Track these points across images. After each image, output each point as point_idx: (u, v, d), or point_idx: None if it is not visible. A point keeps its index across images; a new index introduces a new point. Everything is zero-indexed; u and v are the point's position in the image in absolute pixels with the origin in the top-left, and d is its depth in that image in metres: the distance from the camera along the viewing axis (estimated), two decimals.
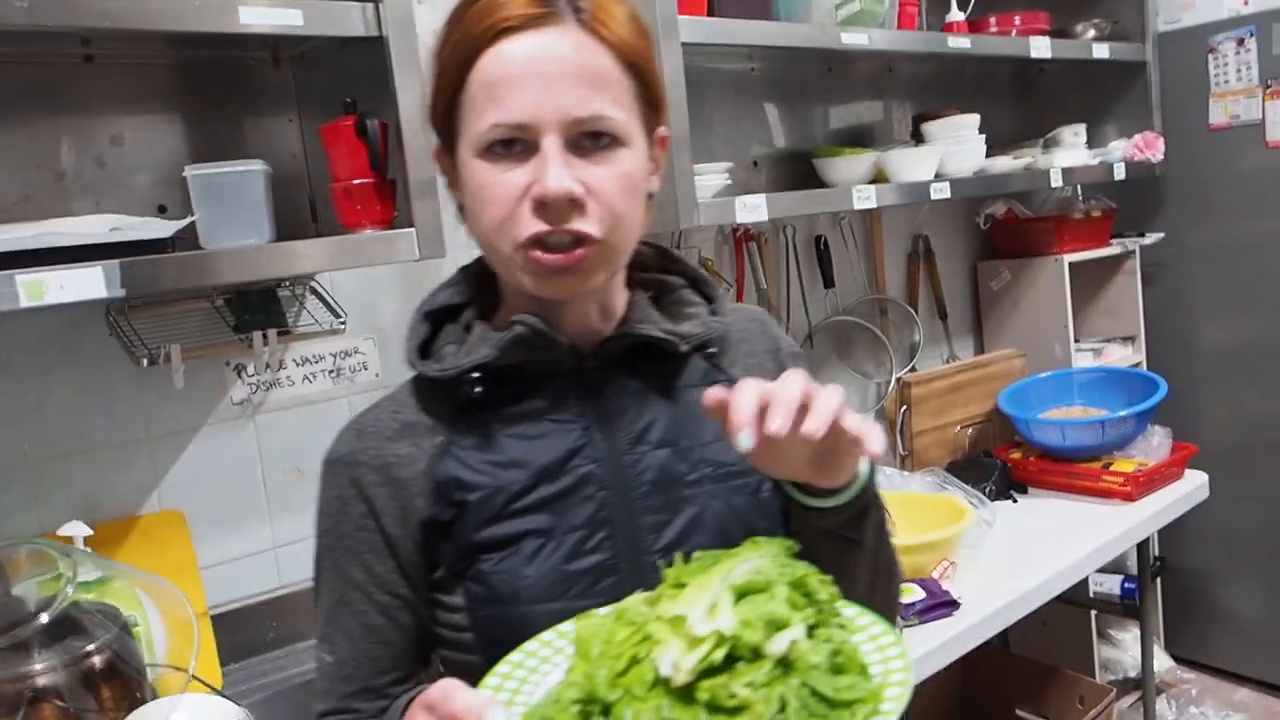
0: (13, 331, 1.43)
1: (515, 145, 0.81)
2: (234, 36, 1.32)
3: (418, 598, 0.91)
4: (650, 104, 0.87)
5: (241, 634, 1.61)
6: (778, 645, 0.66)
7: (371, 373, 1.78)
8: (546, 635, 0.78)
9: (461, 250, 1.87)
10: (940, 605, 1.82)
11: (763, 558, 0.74)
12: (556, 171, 0.79)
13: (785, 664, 0.66)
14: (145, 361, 1.44)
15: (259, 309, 1.57)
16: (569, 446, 0.89)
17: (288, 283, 1.62)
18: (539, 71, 0.80)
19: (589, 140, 0.82)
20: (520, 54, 0.80)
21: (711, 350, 0.95)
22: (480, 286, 0.95)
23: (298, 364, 1.70)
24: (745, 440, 0.74)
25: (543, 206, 0.80)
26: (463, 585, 0.88)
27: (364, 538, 0.90)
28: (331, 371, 1.73)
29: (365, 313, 1.76)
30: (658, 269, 0.98)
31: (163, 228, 1.28)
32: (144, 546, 1.51)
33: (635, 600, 0.74)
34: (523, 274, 0.84)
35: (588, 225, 0.82)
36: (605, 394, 0.91)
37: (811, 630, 0.68)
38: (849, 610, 0.74)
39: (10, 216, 1.41)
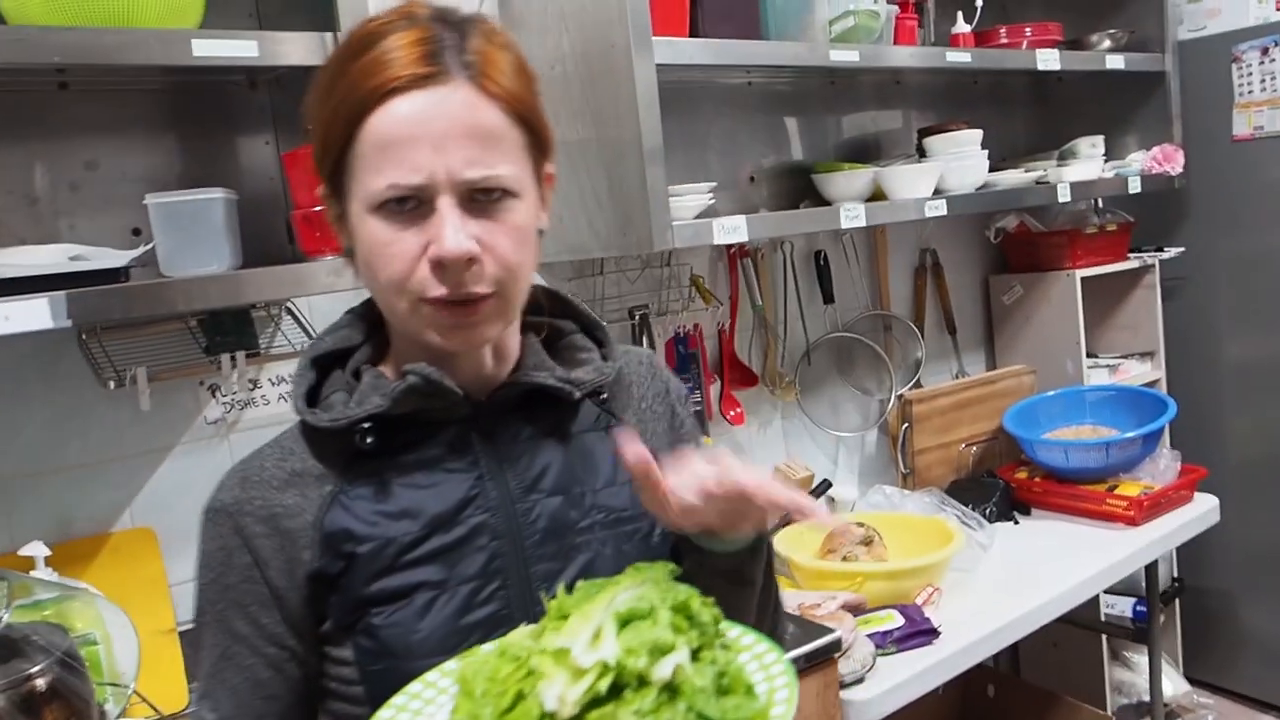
0: None
1: (408, 203, 0.80)
2: (188, 69, 1.34)
3: (305, 650, 0.89)
4: (540, 149, 0.88)
5: None
6: (662, 671, 0.65)
7: None
8: (430, 675, 0.78)
9: None
10: (919, 634, 1.79)
11: (645, 584, 0.73)
12: (454, 234, 0.79)
13: (671, 689, 0.65)
14: (112, 384, 1.46)
15: (231, 330, 1.59)
16: (461, 496, 0.88)
17: (261, 304, 1.64)
18: (430, 131, 0.79)
19: (481, 195, 0.82)
20: (411, 114, 0.79)
21: (603, 396, 0.95)
22: (368, 330, 0.94)
23: (273, 383, 1.72)
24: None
25: (441, 266, 0.81)
26: (352, 639, 0.86)
27: (249, 589, 0.87)
28: None
29: None
30: (550, 312, 0.98)
31: (116, 257, 1.30)
32: (113, 564, 1.54)
33: (519, 634, 0.74)
34: (424, 328, 0.84)
35: (483, 285, 0.83)
36: (498, 441, 0.91)
37: (696, 653, 0.68)
38: (733, 631, 0.75)
39: None
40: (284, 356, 1.66)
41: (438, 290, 0.81)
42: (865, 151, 2.59)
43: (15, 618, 1.27)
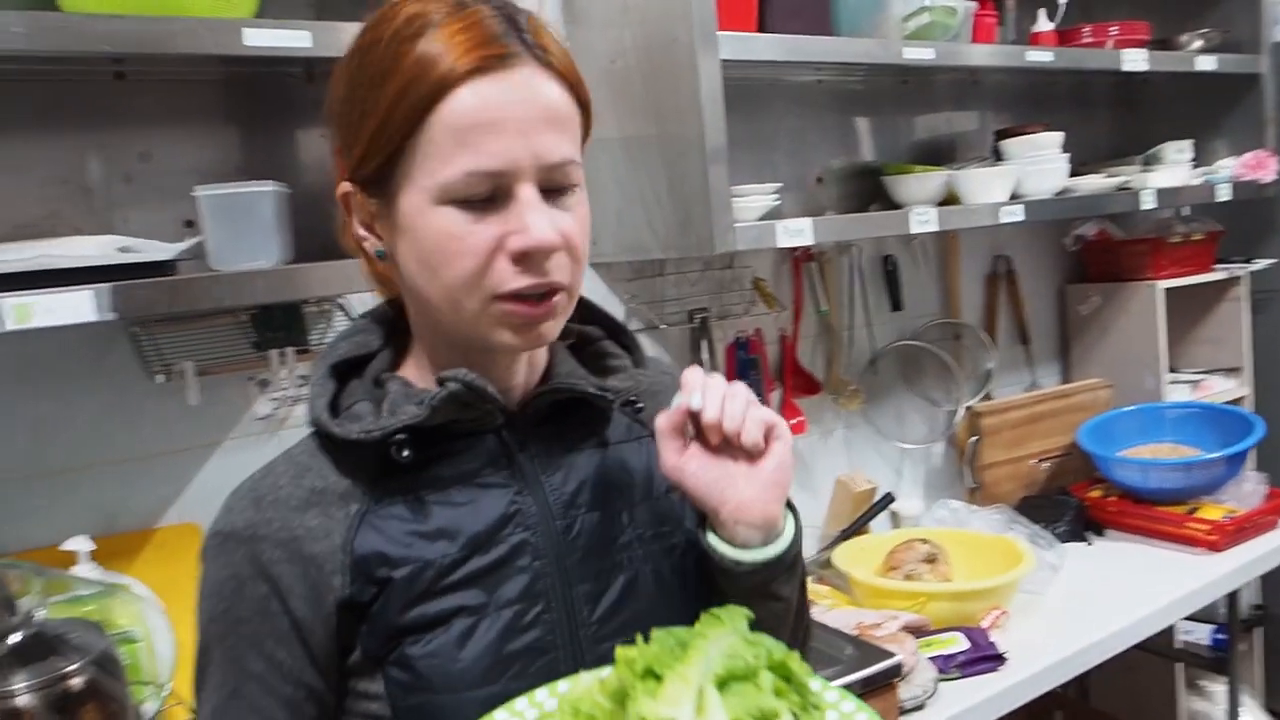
0: (37, 344, 1.46)
1: (484, 193, 0.76)
2: (244, 59, 1.31)
3: (326, 687, 0.81)
4: (585, 134, 0.84)
5: None
6: None
7: None
8: None
9: None
10: (984, 659, 1.70)
11: (730, 635, 0.68)
12: (542, 222, 0.76)
13: None
14: (160, 377, 1.44)
15: (282, 326, 1.57)
16: (501, 513, 0.83)
17: (313, 300, 1.62)
18: (512, 115, 0.75)
19: (553, 184, 0.78)
20: (490, 98, 0.75)
21: (639, 405, 0.91)
22: (385, 335, 0.89)
23: None
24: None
25: (525, 258, 0.76)
26: (384, 671, 0.80)
27: (265, 623, 0.79)
28: None
29: None
30: (576, 318, 0.92)
31: (164, 250, 1.28)
32: (158, 559, 1.53)
33: (587, 690, 0.68)
34: (492, 328, 0.79)
35: (563, 275, 0.79)
36: (533, 454, 0.86)
37: (795, 717, 0.65)
38: (814, 684, 0.70)
39: (38, 231, 1.43)
40: None
41: (518, 283, 0.77)
42: (939, 154, 2.49)
43: (54, 613, 1.25)
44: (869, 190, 2.32)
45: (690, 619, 0.89)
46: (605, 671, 0.69)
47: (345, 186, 0.82)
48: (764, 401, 2.17)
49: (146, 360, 1.45)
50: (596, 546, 0.85)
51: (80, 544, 1.35)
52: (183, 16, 1.24)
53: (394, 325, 0.90)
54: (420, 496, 0.81)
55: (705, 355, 2.05)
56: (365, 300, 1.67)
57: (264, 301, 1.43)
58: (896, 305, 2.39)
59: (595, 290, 1.97)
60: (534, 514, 0.84)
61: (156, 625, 1.41)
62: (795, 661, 0.65)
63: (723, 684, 0.63)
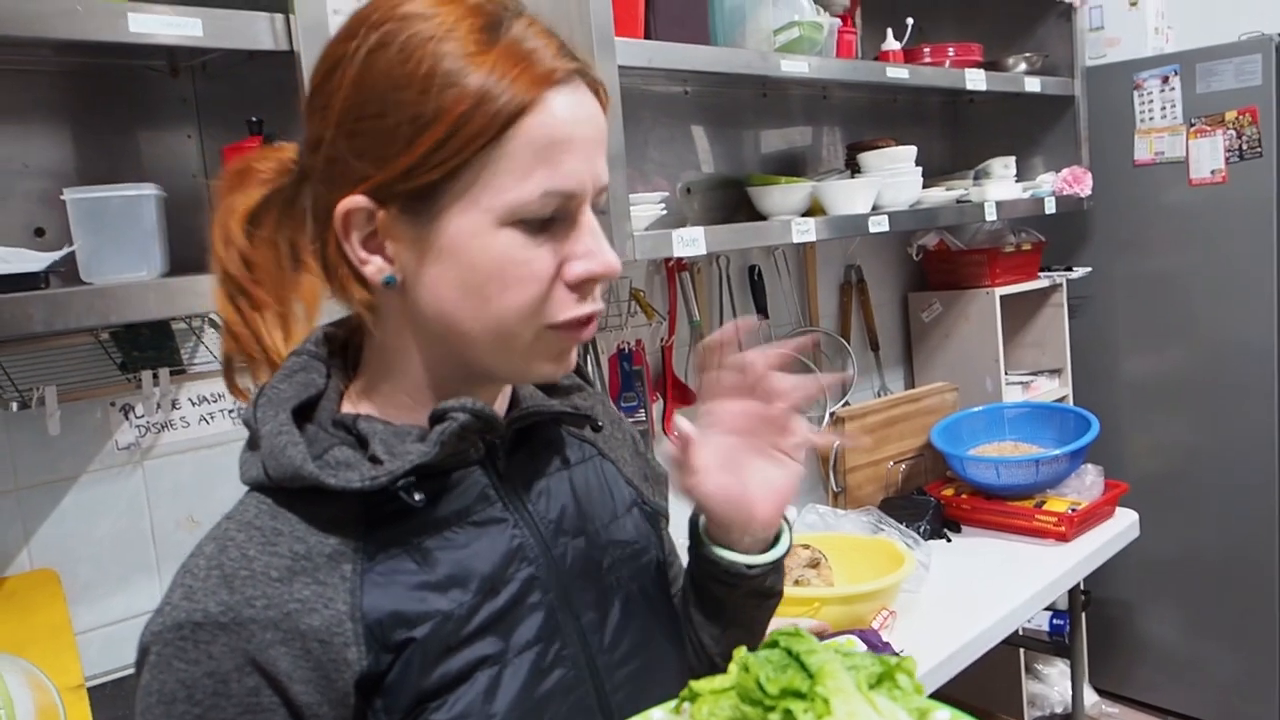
0: None
1: (549, 215, 0.70)
2: (123, 46, 1.17)
3: None
4: None
5: (124, 707, 1.44)
6: None
7: None
8: None
9: None
10: None
11: (820, 645, 0.63)
12: (607, 247, 0.72)
13: None
14: (15, 405, 1.27)
15: (150, 345, 1.42)
16: (505, 549, 0.76)
17: (184, 316, 1.47)
18: (582, 134, 0.71)
19: (596, 209, 0.74)
20: (567, 114, 0.69)
21: (600, 425, 0.88)
22: (326, 373, 0.78)
23: (194, 403, 1.54)
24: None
25: (582, 285, 0.72)
26: None
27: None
28: (232, 411, 1.58)
29: None
30: None
31: (34, 259, 1.13)
32: (11, 612, 1.34)
33: None
34: (538, 358, 0.74)
35: (599, 300, 0.75)
36: (516, 483, 0.80)
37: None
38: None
39: None
40: (209, 374, 1.49)
41: (576, 311, 0.72)
42: (792, 166, 2.55)
43: None
44: (731, 200, 2.35)
45: (678, 633, 0.89)
46: (670, 704, 0.64)
47: (358, 201, 0.70)
48: (646, 414, 2.15)
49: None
50: (589, 572, 0.82)
51: None
52: None
53: (331, 361, 0.79)
54: (419, 544, 0.73)
55: (590, 367, 2.01)
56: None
57: (151, 318, 1.29)
58: (762, 314, 2.43)
59: None
60: (533, 546, 0.78)
61: (17, 694, 1.24)
62: (910, 663, 0.62)
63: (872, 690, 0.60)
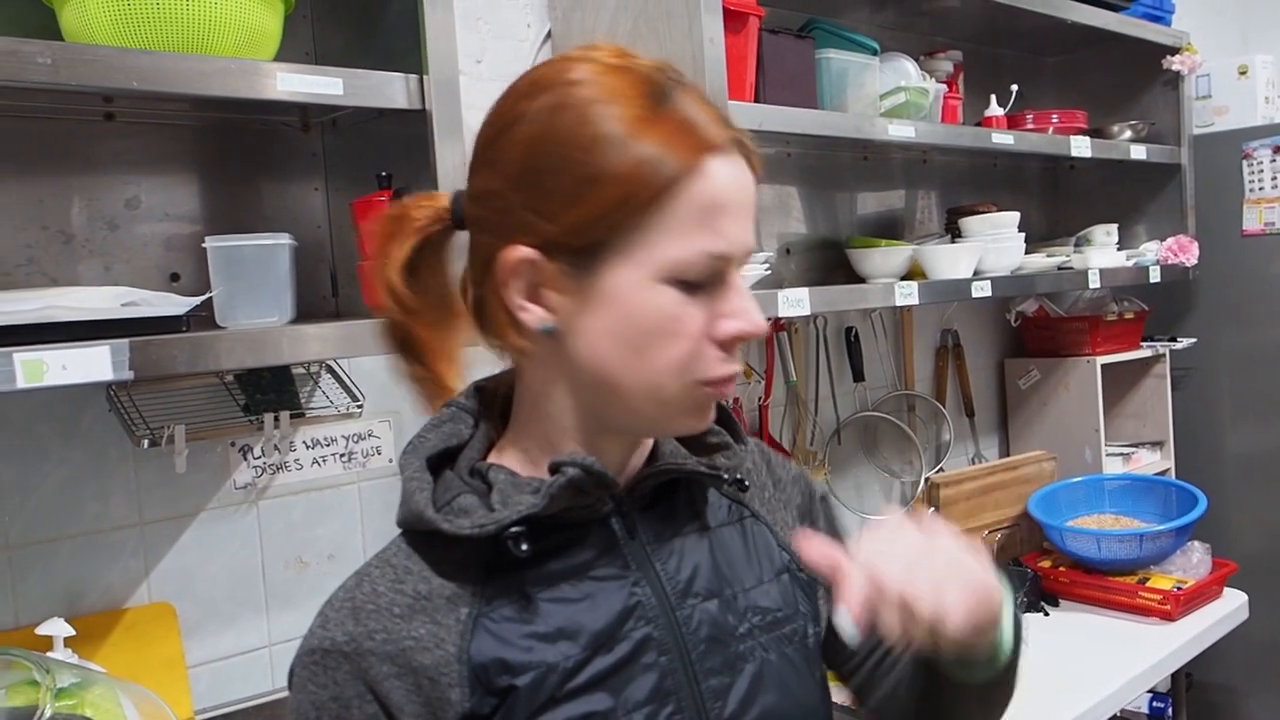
0: (7, 404, 1.32)
1: (706, 276, 0.73)
2: (266, 103, 1.23)
3: None
4: None
5: None
6: None
7: (385, 458, 1.67)
8: None
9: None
10: None
11: None
12: (756, 307, 0.75)
13: None
14: (146, 442, 1.32)
15: (271, 388, 1.46)
16: (621, 607, 0.77)
17: (307, 362, 1.52)
18: (739, 199, 0.74)
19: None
20: (728, 179, 0.73)
21: (745, 484, 0.87)
22: (474, 424, 0.82)
23: (308, 446, 1.58)
24: (849, 632, 0.69)
25: (731, 344, 0.75)
26: None
27: None
28: (343, 455, 1.62)
29: (381, 393, 1.65)
30: None
31: (178, 303, 1.18)
32: (129, 643, 1.39)
33: None
34: (684, 413, 0.76)
35: (740, 362, 0.79)
36: (643, 540, 0.81)
37: None
38: None
39: (12, 280, 1.31)
40: (326, 418, 1.53)
41: (724, 370, 0.75)
42: (888, 228, 2.55)
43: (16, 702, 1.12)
44: (830, 262, 2.36)
45: (819, 709, 0.85)
46: None
47: (524, 252, 0.73)
48: None
49: (130, 423, 1.33)
50: (719, 637, 0.81)
51: (57, 628, 1.21)
52: (213, 57, 1.16)
53: (480, 413, 0.83)
54: (532, 595, 0.75)
55: None
56: (355, 362, 1.59)
57: (282, 362, 1.33)
58: (858, 376, 2.41)
59: None
60: (653, 605, 0.79)
61: (132, 718, 1.27)
62: None
63: None
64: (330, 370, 1.57)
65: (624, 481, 0.81)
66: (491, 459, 0.81)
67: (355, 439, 1.63)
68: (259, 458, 1.53)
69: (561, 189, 0.72)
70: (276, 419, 1.43)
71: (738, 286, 0.74)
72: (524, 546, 0.73)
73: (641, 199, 0.70)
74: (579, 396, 0.77)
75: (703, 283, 0.72)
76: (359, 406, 1.53)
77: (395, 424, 1.68)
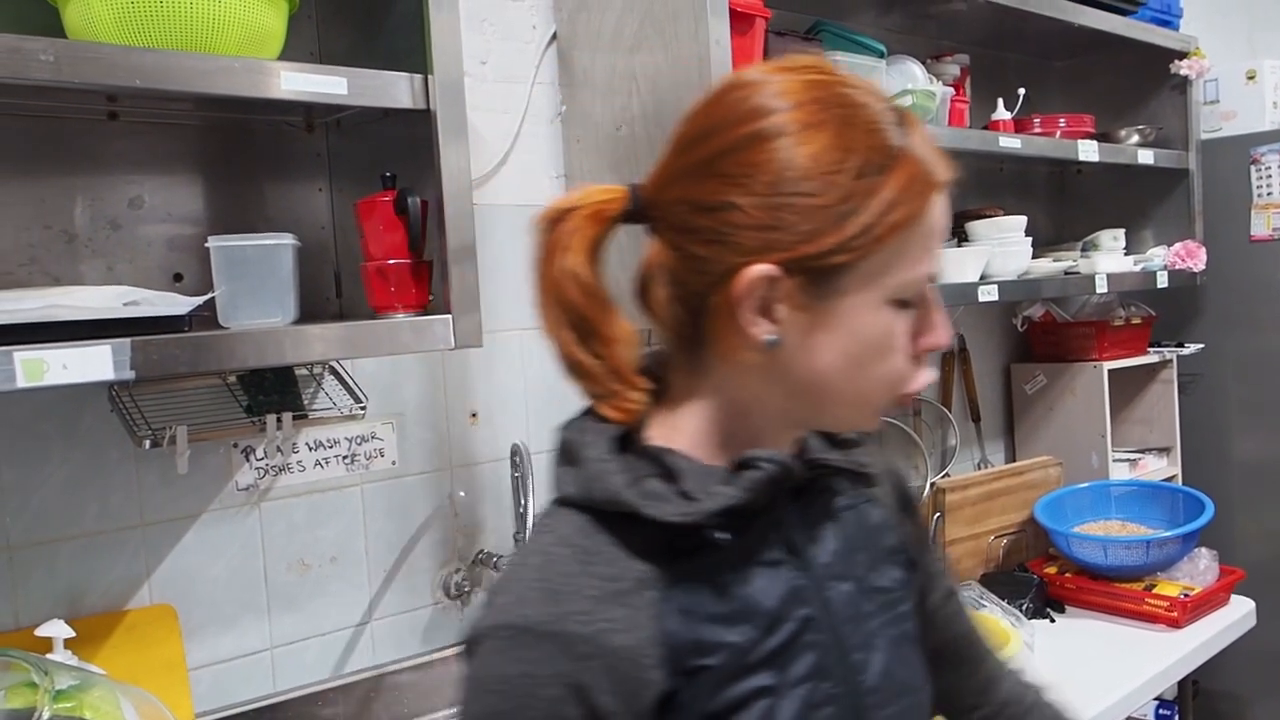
0: (7, 403, 1.32)
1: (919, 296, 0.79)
2: (269, 102, 1.23)
3: None
4: None
5: None
6: None
7: (388, 460, 1.66)
8: None
9: (498, 332, 1.76)
10: None
11: None
12: (947, 320, 0.81)
13: None
14: (148, 443, 1.32)
15: (274, 389, 1.46)
16: (787, 588, 0.81)
17: (308, 362, 1.51)
18: (946, 223, 0.81)
19: None
20: (943, 208, 0.79)
21: (876, 482, 0.93)
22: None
23: (310, 448, 1.58)
24: None
25: (924, 356, 0.81)
26: None
27: None
28: (346, 458, 1.61)
29: (385, 396, 1.65)
30: None
31: (180, 303, 1.17)
32: (129, 645, 1.38)
33: None
34: (874, 417, 0.82)
35: None
36: (796, 526, 0.85)
37: None
38: None
39: (15, 279, 1.31)
40: (329, 420, 1.52)
41: (921, 381, 0.80)
42: None
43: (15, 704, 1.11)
44: None
45: (925, 678, 0.92)
46: None
47: (767, 270, 0.74)
48: None
49: (132, 424, 1.32)
50: (855, 617, 0.85)
51: (57, 630, 1.21)
52: (216, 55, 1.15)
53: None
54: (715, 579, 0.79)
55: None
56: (358, 363, 1.58)
57: (285, 363, 1.33)
58: None
59: None
60: (810, 588, 0.83)
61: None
62: None
63: None
64: (333, 372, 1.56)
65: None
66: (655, 439, 0.82)
67: (358, 441, 1.62)
68: (261, 459, 1.52)
69: (820, 211, 0.74)
70: (279, 420, 1.43)
71: (937, 303, 0.79)
72: (724, 535, 0.77)
73: (894, 227, 0.74)
74: (781, 398, 0.80)
75: (914, 301, 0.77)
76: (362, 408, 1.52)
77: (398, 426, 1.67)
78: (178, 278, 1.43)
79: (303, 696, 1.52)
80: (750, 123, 0.75)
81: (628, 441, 0.81)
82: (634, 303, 0.83)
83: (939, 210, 0.78)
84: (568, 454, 0.81)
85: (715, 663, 0.76)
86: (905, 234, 0.75)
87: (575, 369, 0.81)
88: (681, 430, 0.82)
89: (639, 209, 0.81)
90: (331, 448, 1.59)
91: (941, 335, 0.80)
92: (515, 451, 1.70)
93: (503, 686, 0.73)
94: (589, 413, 0.82)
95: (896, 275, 0.75)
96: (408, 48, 1.34)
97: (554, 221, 0.80)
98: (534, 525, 0.83)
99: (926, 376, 0.81)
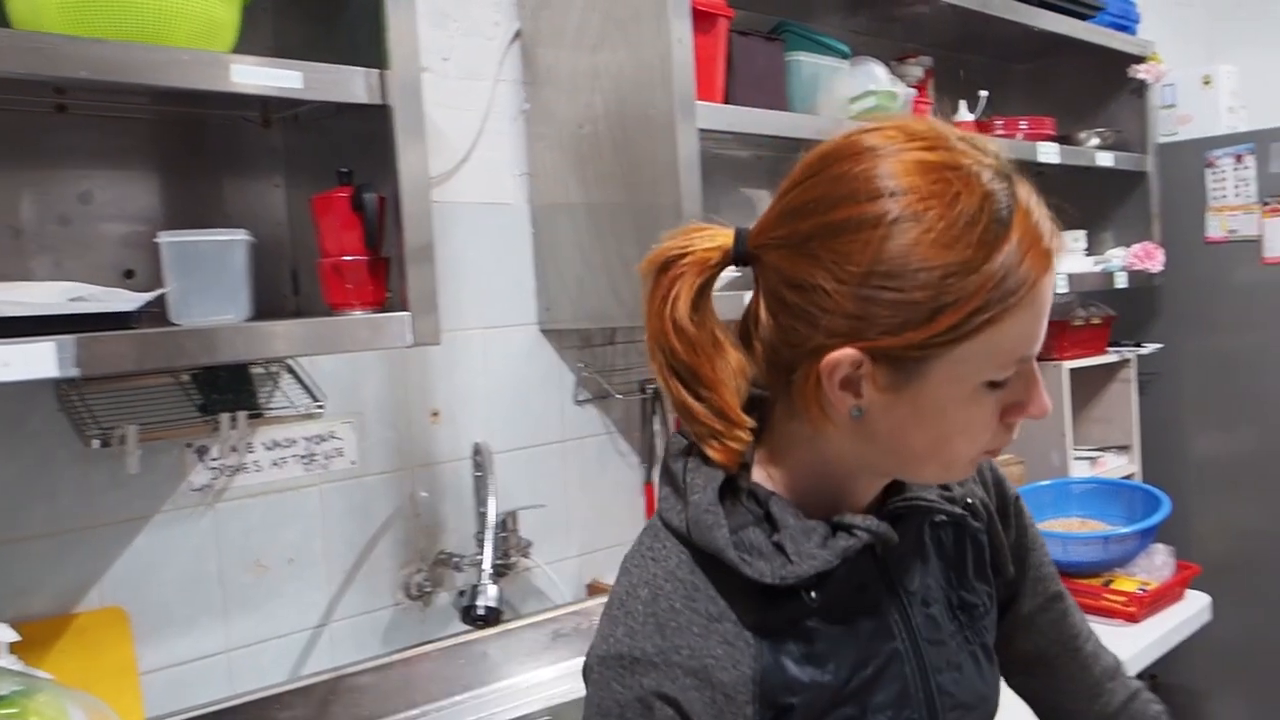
0: None
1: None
2: (223, 96, 1.20)
3: None
4: None
5: None
6: None
7: (348, 459, 1.64)
8: None
9: (460, 330, 1.75)
10: None
11: None
12: (1045, 391, 0.79)
13: None
14: (97, 443, 1.29)
15: (229, 388, 1.43)
16: (877, 627, 0.84)
17: (264, 361, 1.49)
18: (1051, 301, 0.78)
19: None
20: (1049, 289, 0.76)
21: (974, 509, 0.95)
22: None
23: (267, 448, 1.55)
24: None
25: (1014, 425, 0.80)
26: None
27: None
28: (304, 457, 1.59)
29: (344, 394, 1.63)
30: None
31: (128, 299, 1.15)
32: (78, 649, 1.35)
33: None
34: (952, 475, 0.83)
35: None
36: (890, 563, 0.87)
37: None
38: None
39: None
40: (286, 419, 1.50)
41: (1004, 442, 0.80)
42: None
43: None
44: None
45: (998, 685, 0.96)
46: None
47: (852, 355, 0.75)
48: None
49: (81, 423, 1.29)
50: (942, 639, 0.88)
51: (0, 633, 1.18)
52: (167, 47, 1.13)
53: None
54: (807, 624, 0.81)
55: (657, 425, 2.00)
56: (320, 364, 1.56)
57: (237, 360, 1.30)
58: None
59: (547, 358, 1.90)
60: (899, 623, 0.86)
61: None
62: None
63: None
64: (290, 370, 1.54)
65: (869, 505, 0.87)
66: (758, 478, 0.84)
67: (316, 440, 1.60)
68: (216, 459, 1.50)
69: (909, 305, 0.73)
70: (234, 419, 1.40)
71: (1037, 376, 0.78)
72: (813, 595, 0.80)
73: (986, 320, 0.72)
74: (870, 457, 0.81)
75: (1008, 380, 0.77)
76: (320, 407, 1.50)
77: (358, 426, 1.65)
78: (129, 274, 1.40)
79: (259, 699, 1.50)
80: (850, 206, 0.74)
81: (732, 480, 0.82)
82: (737, 343, 0.83)
83: (1041, 295, 0.74)
84: (675, 484, 0.83)
85: (802, 701, 0.79)
86: (999, 328, 0.73)
87: (682, 411, 0.83)
88: (781, 471, 0.84)
89: (743, 255, 0.82)
90: (289, 447, 1.57)
91: (1036, 409, 0.79)
92: (477, 451, 1.69)
93: (620, 711, 0.78)
94: (695, 448, 0.83)
95: (987, 364, 0.75)
96: (365, 42, 1.32)
97: (660, 269, 0.81)
98: (640, 546, 0.84)
99: (1010, 437, 0.80)
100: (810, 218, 0.76)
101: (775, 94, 1.92)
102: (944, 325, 0.72)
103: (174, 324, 1.23)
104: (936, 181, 0.73)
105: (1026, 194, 0.76)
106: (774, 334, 0.79)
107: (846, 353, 0.74)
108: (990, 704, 0.93)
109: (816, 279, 0.74)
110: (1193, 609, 2.32)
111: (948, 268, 0.71)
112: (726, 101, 1.80)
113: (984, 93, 2.46)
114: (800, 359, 0.77)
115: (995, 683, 0.94)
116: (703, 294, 0.81)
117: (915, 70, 2.30)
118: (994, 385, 0.76)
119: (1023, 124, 2.58)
